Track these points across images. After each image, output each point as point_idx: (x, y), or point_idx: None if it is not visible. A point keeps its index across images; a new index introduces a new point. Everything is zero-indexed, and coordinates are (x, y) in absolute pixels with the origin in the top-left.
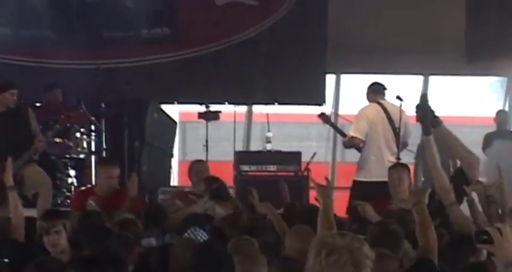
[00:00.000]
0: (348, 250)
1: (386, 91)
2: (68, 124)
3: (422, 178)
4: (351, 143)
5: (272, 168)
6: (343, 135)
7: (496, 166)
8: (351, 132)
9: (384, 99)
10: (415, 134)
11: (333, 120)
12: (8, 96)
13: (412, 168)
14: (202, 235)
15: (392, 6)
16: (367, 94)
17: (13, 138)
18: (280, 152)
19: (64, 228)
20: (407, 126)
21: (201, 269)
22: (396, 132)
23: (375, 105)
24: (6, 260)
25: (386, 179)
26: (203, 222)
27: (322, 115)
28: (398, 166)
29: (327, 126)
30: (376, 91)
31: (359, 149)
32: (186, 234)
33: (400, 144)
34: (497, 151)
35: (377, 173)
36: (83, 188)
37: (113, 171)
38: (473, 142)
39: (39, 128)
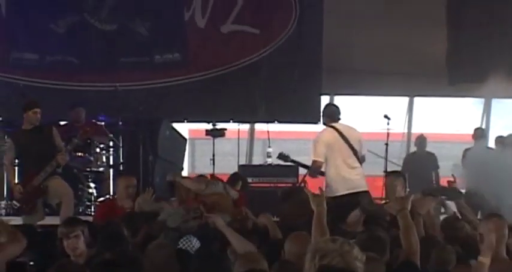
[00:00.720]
0: (339, 253)
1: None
2: (88, 140)
3: (408, 189)
4: (313, 168)
5: (272, 180)
6: (304, 166)
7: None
8: (312, 157)
9: (338, 122)
10: (400, 150)
11: None
12: (31, 114)
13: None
14: (195, 244)
15: (380, 35)
16: (323, 117)
17: (38, 153)
18: (279, 166)
19: (82, 233)
20: (362, 142)
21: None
22: (353, 148)
23: (330, 129)
24: (31, 262)
25: (346, 192)
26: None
27: (281, 157)
28: (390, 175)
29: None
30: (330, 116)
31: (323, 173)
32: (180, 244)
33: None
34: (474, 164)
35: (337, 188)
36: (103, 199)
37: (130, 182)
38: (454, 156)
39: (63, 144)
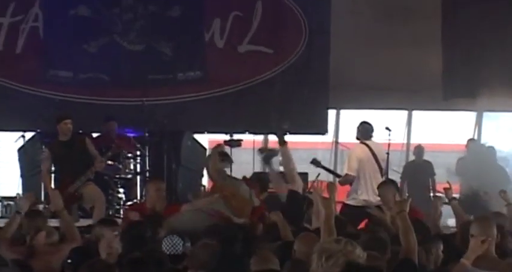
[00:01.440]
0: (343, 253)
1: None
2: (118, 151)
3: (407, 194)
4: (345, 179)
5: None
6: (335, 174)
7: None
8: (345, 170)
9: (371, 140)
10: (400, 159)
11: (334, 147)
12: (62, 125)
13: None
14: (179, 244)
15: (381, 54)
16: (357, 133)
17: (73, 162)
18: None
19: (116, 234)
20: (385, 158)
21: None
22: (380, 165)
23: (362, 145)
24: (69, 260)
25: (372, 203)
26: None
27: (314, 163)
28: (382, 184)
29: (329, 151)
30: (364, 134)
31: (349, 182)
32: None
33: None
34: (467, 170)
35: (365, 198)
36: (132, 203)
37: (160, 185)
38: (448, 164)
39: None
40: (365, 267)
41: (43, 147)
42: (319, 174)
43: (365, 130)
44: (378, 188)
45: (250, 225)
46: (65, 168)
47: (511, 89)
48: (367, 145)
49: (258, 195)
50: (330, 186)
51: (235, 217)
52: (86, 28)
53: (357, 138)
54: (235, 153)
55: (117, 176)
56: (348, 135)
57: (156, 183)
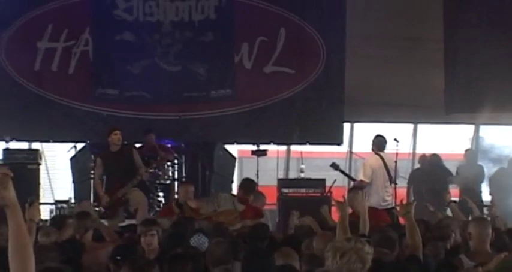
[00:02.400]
0: (355, 251)
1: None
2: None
3: (413, 197)
4: (361, 184)
5: (304, 190)
6: (352, 179)
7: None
8: (361, 177)
9: (383, 151)
10: (406, 167)
11: (348, 156)
12: (113, 136)
13: (406, 189)
14: (204, 241)
15: (391, 74)
16: (372, 145)
17: (121, 170)
18: (310, 179)
19: (157, 233)
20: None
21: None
22: (390, 174)
23: (376, 156)
24: (118, 257)
25: (379, 207)
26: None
27: (333, 166)
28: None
29: (344, 160)
30: (378, 146)
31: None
32: (191, 241)
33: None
34: (466, 177)
35: (371, 203)
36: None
37: (189, 188)
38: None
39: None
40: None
41: (92, 156)
42: (335, 180)
43: (379, 143)
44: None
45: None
46: (114, 175)
47: (504, 105)
48: (380, 156)
49: (244, 199)
50: (341, 204)
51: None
52: (130, 51)
53: (372, 150)
54: (261, 161)
55: (157, 181)
56: (361, 145)
57: (186, 186)
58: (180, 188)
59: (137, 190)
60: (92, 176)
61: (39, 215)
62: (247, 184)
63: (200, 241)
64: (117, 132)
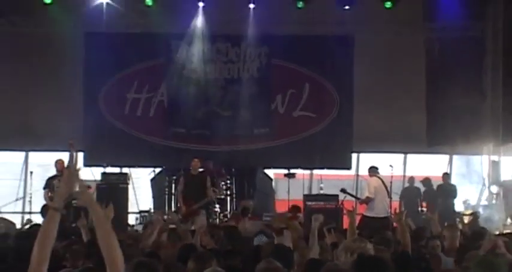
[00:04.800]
0: (360, 249)
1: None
2: (215, 179)
3: (403, 208)
4: (366, 200)
5: (323, 203)
6: (357, 198)
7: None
8: (366, 194)
9: (378, 174)
10: (399, 186)
11: (355, 178)
12: (193, 163)
13: (398, 203)
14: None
15: (387, 117)
16: (369, 172)
17: (196, 189)
18: (327, 195)
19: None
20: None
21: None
22: (388, 191)
23: (376, 178)
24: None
25: (380, 215)
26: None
27: (342, 191)
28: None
29: (352, 180)
30: (373, 172)
31: (367, 202)
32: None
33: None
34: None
35: (376, 213)
36: (233, 213)
37: (248, 203)
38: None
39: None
40: (373, 257)
41: (167, 177)
42: (345, 196)
43: (375, 169)
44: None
45: None
46: (191, 192)
47: (470, 142)
48: (379, 178)
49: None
50: (351, 214)
51: None
52: (195, 101)
53: (370, 175)
54: (291, 182)
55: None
56: (365, 170)
57: (246, 202)
58: (241, 203)
59: (204, 215)
60: (167, 192)
61: (112, 214)
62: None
63: (261, 240)
64: (196, 160)
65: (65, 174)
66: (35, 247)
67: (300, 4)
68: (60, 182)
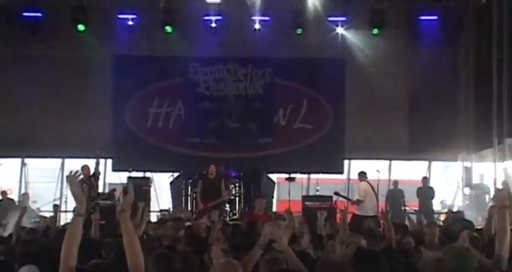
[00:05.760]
0: (355, 243)
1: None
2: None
3: (388, 208)
4: (356, 202)
5: (319, 203)
6: (349, 200)
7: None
8: (357, 196)
9: (367, 178)
10: (385, 188)
11: (347, 181)
12: (209, 168)
13: (384, 203)
14: None
15: (375, 129)
16: (359, 177)
17: (212, 191)
18: (323, 196)
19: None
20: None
21: None
22: (375, 193)
23: (365, 182)
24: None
25: (369, 214)
26: None
27: (336, 193)
28: (256, 198)
29: (344, 184)
30: (362, 177)
31: (358, 204)
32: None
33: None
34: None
35: (365, 212)
36: (246, 211)
37: (263, 200)
38: (412, 191)
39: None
40: (367, 250)
41: (183, 181)
42: (338, 197)
43: (364, 174)
44: (255, 199)
45: None
46: (207, 193)
47: (446, 150)
48: (368, 182)
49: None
50: (344, 210)
51: None
52: (207, 114)
53: (360, 180)
54: (291, 185)
55: None
56: (355, 174)
57: (261, 199)
58: (257, 200)
59: (217, 213)
60: (183, 194)
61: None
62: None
63: None
64: (213, 166)
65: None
66: (63, 245)
67: (299, 31)
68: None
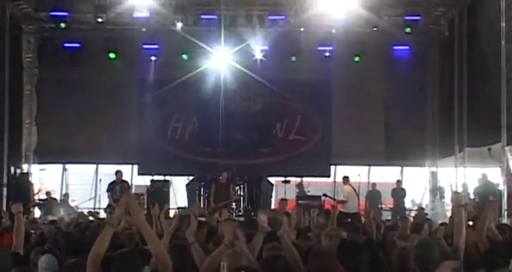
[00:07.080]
0: (337, 235)
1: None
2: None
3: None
4: (341, 202)
5: (309, 202)
6: (334, 199)
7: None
8: (342, 198)
9: (349, 182)
10: (365, 190)
11: (333, 184)
12: (222, 176)
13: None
14: None
15: (356, 137)
16: (343, 180)
17: (223, 193)
18: (313, 196)
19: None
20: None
21: None
22: (357, 194)
23: (348, 185)
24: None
25: (352, 211)
26: None
27: (324, 195)
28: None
29: (330, 186)
30: (346, 180)
31: (342, 203)
32: None
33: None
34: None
35: (350, 209)
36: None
37: (287, 202)
38: (387, 192)
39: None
40: (350, 242)
41: (197, 183)
42: (325, 196)
43: (347, 179)
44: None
45: None
46: (219, 195)
47: (416, 157)
48: (350, 185)
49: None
50: (334, 208)
51: None
52: (217, 128)
53: (344, 183)
54: (287, 186)
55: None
56: (340, 178)
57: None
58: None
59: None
60: (197, 194)
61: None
62: None
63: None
64: (225, 173)
65: (125, 202)
66: (92, 247)
67: (293, 58)
68: (119, 202)
